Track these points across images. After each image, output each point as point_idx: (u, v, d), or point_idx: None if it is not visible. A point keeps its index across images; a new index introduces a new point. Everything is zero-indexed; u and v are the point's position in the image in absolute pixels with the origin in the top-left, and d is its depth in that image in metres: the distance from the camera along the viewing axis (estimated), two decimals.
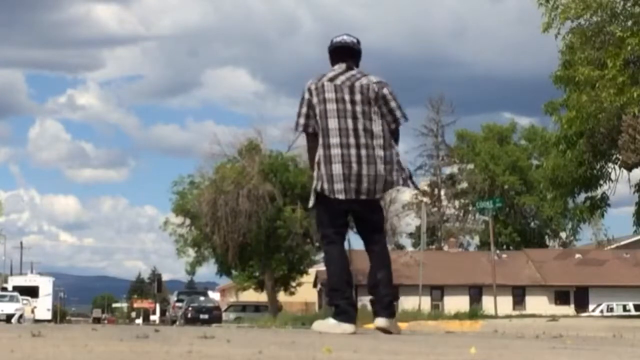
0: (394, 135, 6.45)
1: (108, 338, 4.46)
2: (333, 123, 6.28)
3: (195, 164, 60.86)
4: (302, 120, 6.39)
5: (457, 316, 24.51)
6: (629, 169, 23.95)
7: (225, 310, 51.01)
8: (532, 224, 67.60)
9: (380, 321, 6.31)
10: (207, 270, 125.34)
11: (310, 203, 6.47)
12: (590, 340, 6.74)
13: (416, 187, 6.88)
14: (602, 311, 43.09)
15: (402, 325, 17.39)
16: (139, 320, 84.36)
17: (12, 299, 37.54)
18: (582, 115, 23.52)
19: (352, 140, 6.26)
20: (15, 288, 46.36)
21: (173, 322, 46.90)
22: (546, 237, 69.12)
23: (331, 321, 6.34)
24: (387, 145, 6.36)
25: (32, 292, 49.82)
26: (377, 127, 6.33)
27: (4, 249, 75.76)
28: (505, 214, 64.47)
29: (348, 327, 6.24)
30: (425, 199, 68.33)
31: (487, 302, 42.17)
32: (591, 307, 47.70)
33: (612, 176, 25.51)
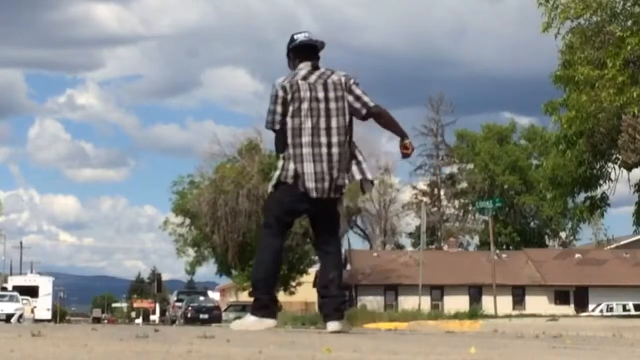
0: (383, 118, 6.40)
1: (108, 338, 4.46)
2: (307, 122, 6.26)
3: (195, 164, 60.94)
4: (278, 118, 6.36)
5: (457, 316, 24.52)
6: (629, 169, 23.95)
7: (225, 310, 50.95)
8: (532, 224, 67.60)
9: (333, 325, 6.22)
10: (207, 270, 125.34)
11: (270, 188, 6.45)
12: (590, 340, 6.75)
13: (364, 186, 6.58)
14: (602, 311, 43.07)
15: (402, 325, 17.41)
16: (139, 320, 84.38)
17: (12, 299, 37.54)
18: (582, 115, 23.51)
19: (323, 140, 6.25)
20: (15, 288, 46.36)
21: (173, 322, 46.89)
22: (546, 237, 69.13)
23: (252, 318, 6.31)
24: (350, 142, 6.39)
25: (32, 292, 49.82)
26: (347, 121, 6.35)
27: (4, 249, 75.82)
28: (505, 214, 64.49)
29: (271, 323, 6.26)
30: (425, 199, 68.37)
31: (487, 302, 42.16)
32: (591, 307, 47.69)
33: (612, 176, 25.51)
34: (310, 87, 6.31)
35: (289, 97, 6.30)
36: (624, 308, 43.23)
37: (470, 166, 68.43)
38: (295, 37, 6.55)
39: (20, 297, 38.75)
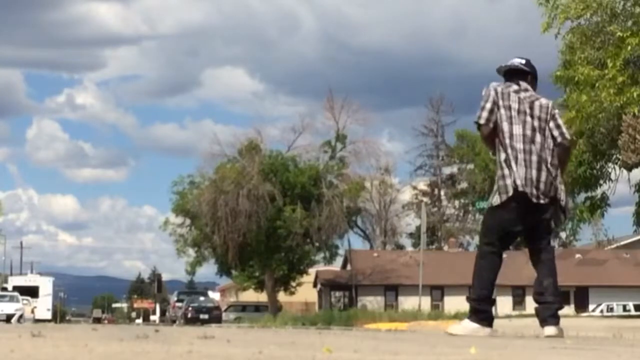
0: (564, 153, 6.93)
1: (108, 338, 4.46)
2: (518, 129, 6.77)
3: (195, 164, 60.91)
4: (485, 114, 6.86)
5: (457, 316, 24.51)
6: (629, 169, 23.94)
7: (225, 310, 51.01)
8: None
9: (550, 330, 6.74)
10: (207, 270, 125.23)
11: (496, 200, 6.79)
12: (590, 340, 6.76)
13: (564, 215, 7.10)
14: (602, 311, 43.09)
15: (402, 325, 17.40)
16: (139, 320, 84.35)
17: (12, 299, 37.57)
18: (582, 115, 23.50)
19: (534, 148, 6.73)
20: (15, 288, 46.40)
21: (173, 322, 46.92)
22: None
23: (473, 324, 6.87)
24: (555, 162, 6.85)
25: (32, 292, 49.86)
26: (549, 142, 6.83)
27: (4, 249, 75.72)
28: None
29: (490, 330, 6.82)
30: (425, 199, 68.37)
31: None
32: (591, 307, 47.71)
33: (612, 176, 25.51)
34: (519, 99, 6.86)
35: (500, 102, 6.84)
36: (624, 308, 43.25)
37: (470, 166, 68.40)
38: (510, 61, 7.18)
39: (20, 297, 38.78)
